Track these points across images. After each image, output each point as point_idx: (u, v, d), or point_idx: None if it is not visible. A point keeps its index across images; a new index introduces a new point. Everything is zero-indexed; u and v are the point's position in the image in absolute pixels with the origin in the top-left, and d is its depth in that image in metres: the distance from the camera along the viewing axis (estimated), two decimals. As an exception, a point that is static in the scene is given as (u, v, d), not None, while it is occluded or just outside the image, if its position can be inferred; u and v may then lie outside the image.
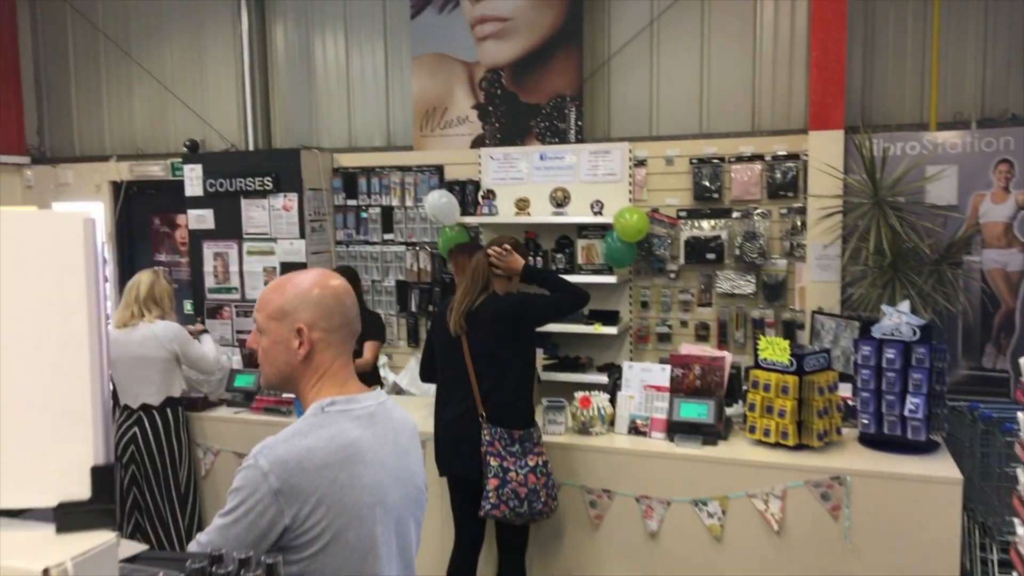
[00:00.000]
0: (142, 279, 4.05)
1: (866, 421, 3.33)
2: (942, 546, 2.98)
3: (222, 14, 6.45)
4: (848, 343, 4.32)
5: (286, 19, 6.36)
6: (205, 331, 4.26)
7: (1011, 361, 4.49)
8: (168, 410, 3.95)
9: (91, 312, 0.81)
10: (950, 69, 4.80)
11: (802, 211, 4.91)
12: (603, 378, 4.61)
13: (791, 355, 3.31)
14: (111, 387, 4.05)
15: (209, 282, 5.96)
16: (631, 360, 5.30)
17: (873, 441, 3.34)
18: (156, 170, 6.54)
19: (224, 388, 4.17)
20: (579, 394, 3.64)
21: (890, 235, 4.10)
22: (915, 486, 3.05)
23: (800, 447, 3.29)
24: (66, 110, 7.08)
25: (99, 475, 0.80)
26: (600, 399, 3.62)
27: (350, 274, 4.67)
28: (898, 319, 3.26)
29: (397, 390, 5.76)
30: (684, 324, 5.29)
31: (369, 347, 4.61)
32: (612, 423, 3.63)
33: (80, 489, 0.79)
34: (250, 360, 4.30)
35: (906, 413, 3.21)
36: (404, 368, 5.83)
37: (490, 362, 3.35)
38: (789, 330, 5.01)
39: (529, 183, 5.48)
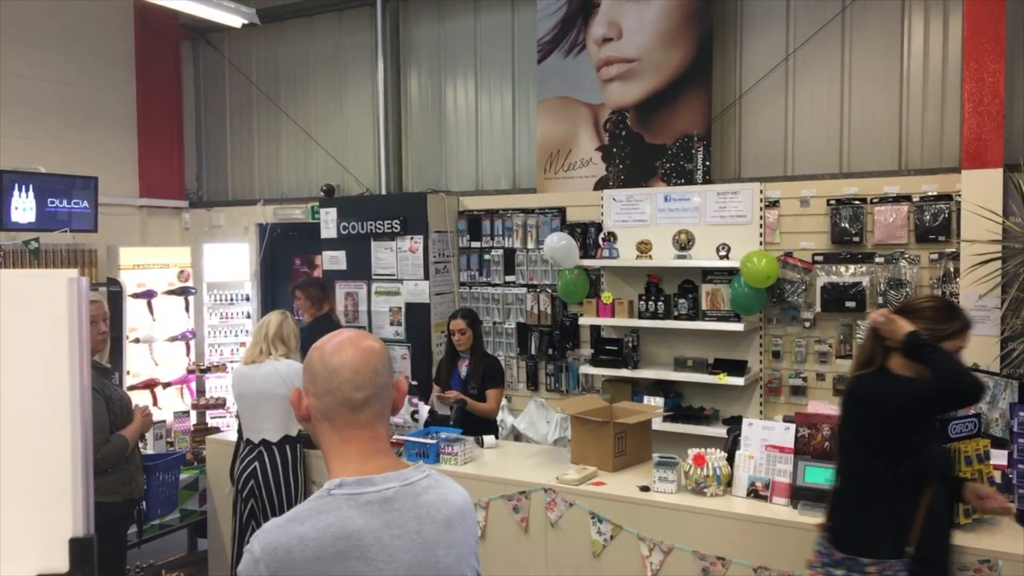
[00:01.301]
0: (271, 319, 4.21)
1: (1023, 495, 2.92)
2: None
3: (361, 64, 6.76)
4: (1007, 405, 3.85)
5: (420, 67, 6.58)
6: None
7: None
8: (287, 447, 4.05)
9: (74, 376, 0.79)
10: None
11: (955, 257, 4.47)
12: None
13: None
14: (238, 422, 4.22)
15: (341, 320, 6.16)
16: (761, 414, 4.99)
17: (1034, 521, 2.92)
18: (297, 213, 6.88)
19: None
20: (693, 451, 3.42)
21: (1057, 285, 3.64)
22: (1085, 578, 2.62)
23: (944, 523, 2.92)
24: (221, 157, 7.63)
25: (78, 548, 0.77)
26: (716, 457, 3.39)
27: (471, 316, 4.68)
28: (1064, 382, 2.85)
29: (516, 434, 5.70)
30: (820, 377, 4.92)
31: (492, 395, 4.57)
32: (729, 484, 3.38)
33: (58, 562, 0.76)
34: (366, 400, 4.36)
35: (1074, 491, 2.79)
36: (523, 411, 5.76)
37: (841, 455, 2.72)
38: (940, 387, 4.53)
39: (652, 225, 5.32)
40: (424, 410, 4.21)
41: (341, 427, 1.48)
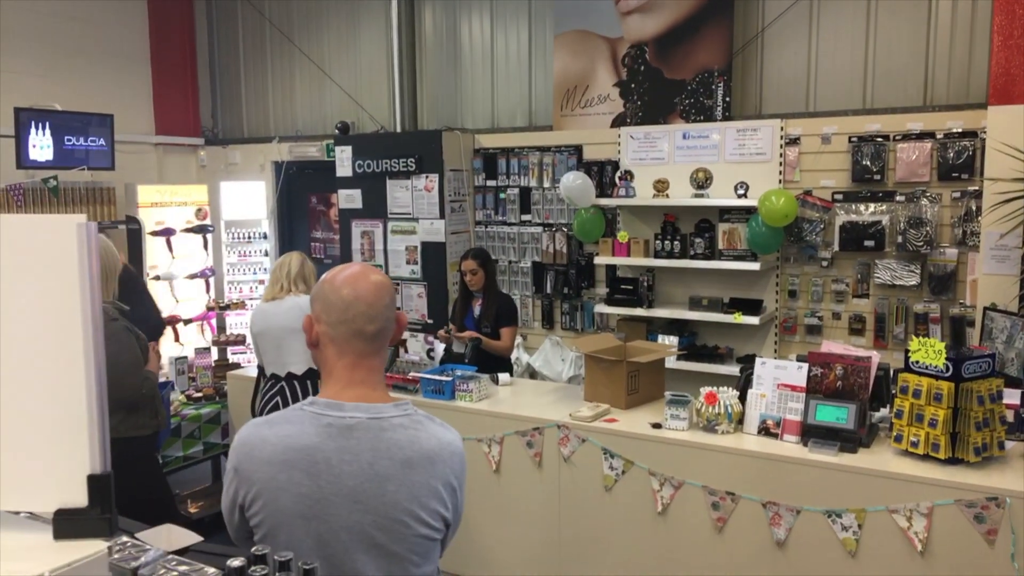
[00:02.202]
0: (292, 259, 4.24)
1: (1036, 437, 2.93)
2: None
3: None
4: (1023, 345, 3.84)
5: (434, 1, 6.44)
6: None
7: None
8: (308, 381, 4.13)
9: (86, 319, 0.80)
10: None
11: (978, 195, 4.40)
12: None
13: (947, 358, 2.96)
14: (259, 359, 4.29)
15: (356, 259, 6.20)
16: (775, 353, 5.01)
17: (1044, 460, 2.94)
18: (313, 151, 6.86)
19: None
20: (705, 389, 3.45)
21: (1081, 225, 3.57)
22: (1092, 516, 2.65)
23: (953, 461, 2.95)
24: (236, 95, 7.58)
25: (96, 484, 0.80)
26: (728, 396, 3.42)
27: (482, 256, 4.69)
28: (1081, 323, 2.83)
29: (531, 372, 5.77)
30: (836, 316, 4.91)
31: (506, 333, 4.62)
32: (740, 422, 3.42)
33: (77, 497, 0.79)
34: (383, 338, 4.42)
35: (1086, 432, 2.80)
36: (538, 349, 5.81)
37: None
38: (958, 327, 4.52)
39: (670, 163, 5.26)
40: (439, 348, 4.26)
41: (345, 354, 1.57)
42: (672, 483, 3.37)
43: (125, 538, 1.19)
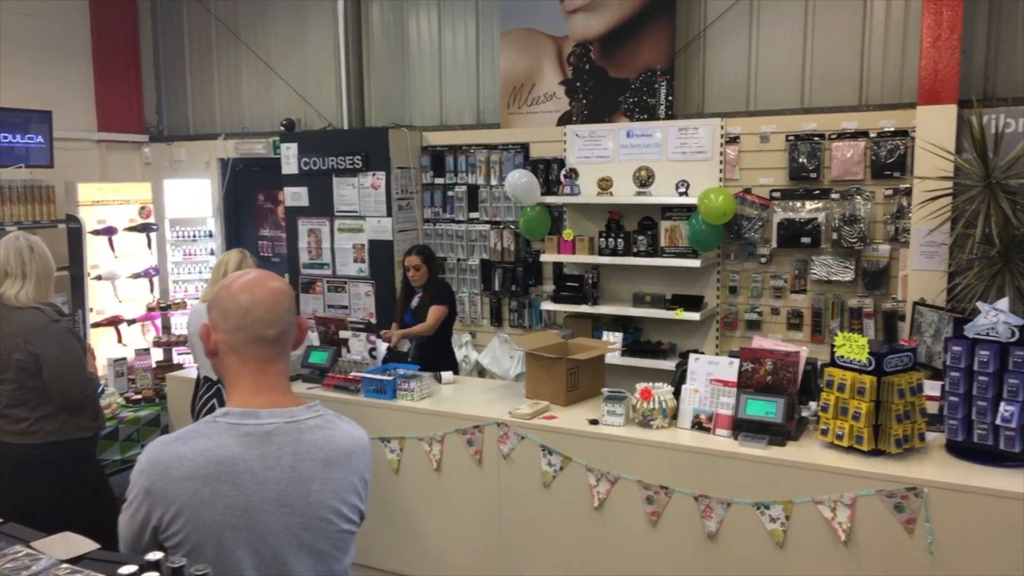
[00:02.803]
0: (231, 258, 4.18)
1: (954, 427, 3.04)
2: (1031, 573, 2.68)
3: (321, -6, 6.57)
4: (950, 339, 3.96)
5: (381, -3, 6.41)
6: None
7: None
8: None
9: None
10: (1090, 33, 4.26)
11: (908, 192, 4.52)
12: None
13: (870, 353, 3.05)
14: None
15: (303, 258, 6.16)
16: (717, 348, 5.10)
17: (961, 450, 3.04)
18: (259, 148, 6.78)
19: (300, 364, 4.28)
20: (640, 385, 3.50)
21: (1001, 221, 3.70)
22: (1003, 503, 2.75)
23: (876, 453, 3.04)
24: (181, 91, 7.46)
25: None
26: (663, 391, 3.48)
27: (425, 252, 4.69)
28: (994, 317, 2.94)
29: (480, 370, 5.79)
30: (775, 311, 5.01)
31: (432, 311, 4.59)
32: (675, 417, 3.48)
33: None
34: (325, 337, 4.41)
35: (999, 422, 2.90)
36: (487, 347, 5.83)
37: None
38: (890, 321, 4.65)
39: (615, 161, 5.32)
40: (382, 347, 4.26)
41: (248, 361, 1.56)
42: (608, 478, 3.42)
43: (19, 547, 1.19)
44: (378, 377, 3.96)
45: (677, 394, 3.51)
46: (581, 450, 3.48)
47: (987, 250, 3.81)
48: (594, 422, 3.54)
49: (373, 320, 5.76)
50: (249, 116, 7.12)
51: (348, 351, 4.28)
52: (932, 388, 3.38)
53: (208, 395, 4.05)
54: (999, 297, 3.69)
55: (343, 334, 4.30)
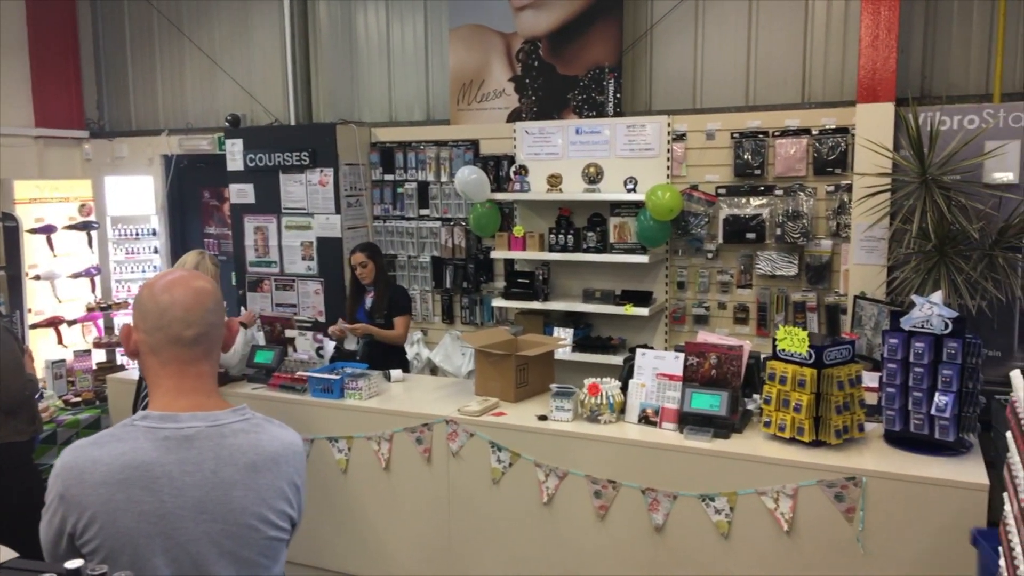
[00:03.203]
0: (187, 259, 4.08)
1: (891, 417, 3.11)
2: (963, 556, 2.76)
3: (267, -12, 6.46)
4: (889, 331, 4.06)
5: (329, -8, 6.33)
6: (242, 324, 4.21)
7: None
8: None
9: None
10: (1021, 35, 4.39)
11: (850, 189, 4.62)
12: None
13: (810, 346, 3.11)
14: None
15: (250, 256, 6.06)
16: (666, 342, 5.15)
17: (899, 439, 3.12)
18: (204, 144, 6.65)
19: (245, 364, 4.21)
20: (588, 380, 3.52)
21: (936, 216, 3.80)
22: (936, 490, 2.83)
23: (817, 444, 3.10)
24: (123, 86, 7.27)
25: None
26: (610, 386, 3.50)
27: (370, 249, 4.66)
28: (929, 310, 3.02)
29: (432, 367, 5.76)
30: (722, 306, 5.08)
31: (399, 322, 4.60)
32: (623, 411, 3.51)
33: None
34: (271, 336, 4.34)
35: (933, 412, 2.98)
36: (438, 344, 5.81)
37: None
38: (832, 315, 4.75)
39: (564, 158, 5.33)
40: (329, 346, 4.21)
41: (167, 362, 1.52)
42: (557, 474, 3.43)
43: (-66, 557, 1.14)
44: (325, 376, 3.91)
45: (625, 389, 3.54)
46: (530, 446, 3.49)
47: (923, 244, 3.92)
48: (543, 418, 3.55)
49: (322, 319, 5.70)
50: (193, 112, 6.97)
51: (295, 350, 4.22)
52: (872, 380, 3.47)
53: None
54: (935, 290, 3.80)
55: (289, 333, 4.24)
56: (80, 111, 7.22)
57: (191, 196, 6.97)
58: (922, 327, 3.03)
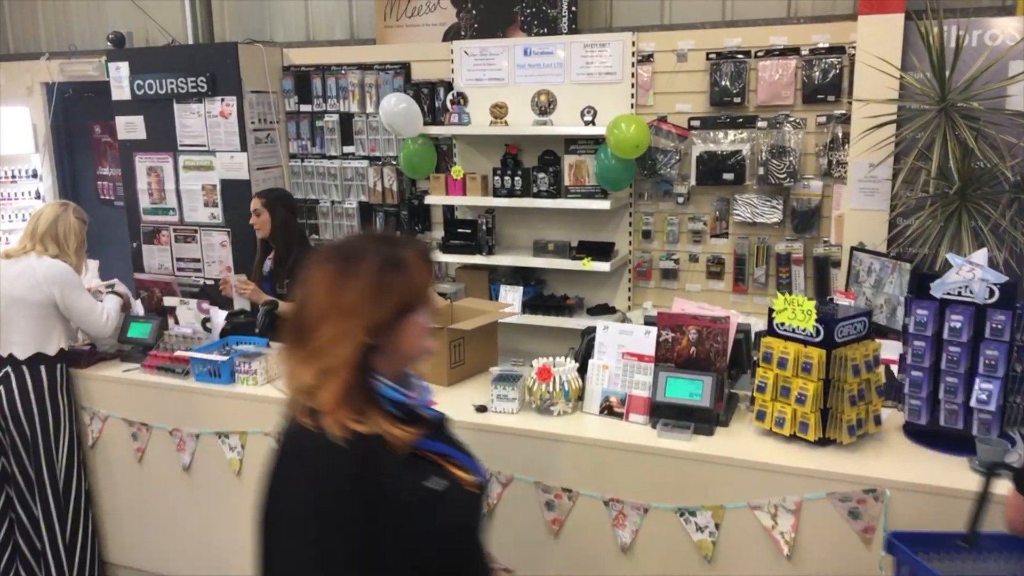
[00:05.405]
0: (45, 211, 3.38)
1: (916, 408, 2.47)
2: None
3: None
4: (894, 290, 3.42)
5: None
6: (115, 292, 3.47)
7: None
8: (41, 367, 3.22)
9: None
10: (1049, -67, 3.68)
11: (846, 120, 3.93)
12: (594, 322, 3.77)
13: (818, 320, 2.43)
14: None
15: (144, 202, 5.17)
16: (629, 300, 4.48)
17: (922, 434, 2.49)
18: (91, 70, 5.67)
19: (116, 338, 3.41)
20: (538, 362, 2.81)
21: (959, 152, 3.12)
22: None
23: (824, 442, 2.46)
24: (-6, 0, 6.20)
25: None
26: (565, 370, 2.80)
27: (269, 195, 3.87)
28: (969, 273, 2.35)
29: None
30: (694, 258, 4.40)
31: None
32: (580, 399, 2.82)
33: None
34: (150, 305, 3.53)
35: (973, 403, 2.35)
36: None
37: None
38: (822, 269, 4.11)
39: (511, 85, 4.54)
40: (220, 317, 3.40)
41: None
42: (499, 479, 2.75)
43: None
44: (212, 357, 3.13)
45: (583, 370, 2.84)
46: (467, 443, 2.78)
47: (942, 186, 3.24)
48: (482, 409, 2.85)
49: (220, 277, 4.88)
50: (80, 32, 5.97)
51: (177, 322, 3.42)
52: (886, 350, 2.81)
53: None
54: (954, 240, 3.16)
55: (169, 301, 3.43)
56: (-58, 31, 6.14)
57: (80, 132, 6.00)
58: (959, 294, 2.37)
